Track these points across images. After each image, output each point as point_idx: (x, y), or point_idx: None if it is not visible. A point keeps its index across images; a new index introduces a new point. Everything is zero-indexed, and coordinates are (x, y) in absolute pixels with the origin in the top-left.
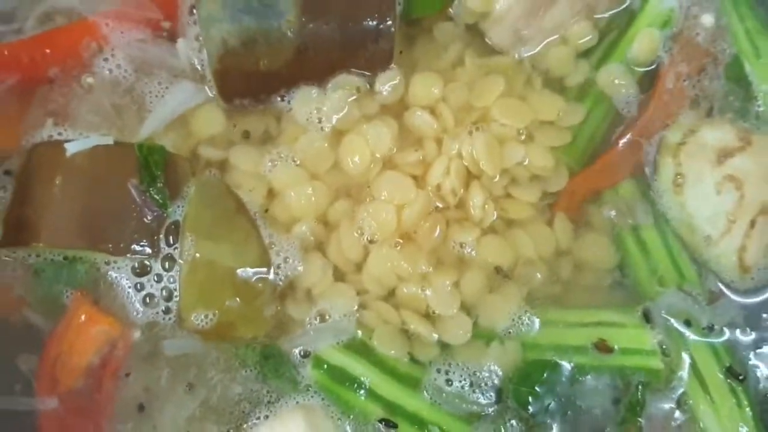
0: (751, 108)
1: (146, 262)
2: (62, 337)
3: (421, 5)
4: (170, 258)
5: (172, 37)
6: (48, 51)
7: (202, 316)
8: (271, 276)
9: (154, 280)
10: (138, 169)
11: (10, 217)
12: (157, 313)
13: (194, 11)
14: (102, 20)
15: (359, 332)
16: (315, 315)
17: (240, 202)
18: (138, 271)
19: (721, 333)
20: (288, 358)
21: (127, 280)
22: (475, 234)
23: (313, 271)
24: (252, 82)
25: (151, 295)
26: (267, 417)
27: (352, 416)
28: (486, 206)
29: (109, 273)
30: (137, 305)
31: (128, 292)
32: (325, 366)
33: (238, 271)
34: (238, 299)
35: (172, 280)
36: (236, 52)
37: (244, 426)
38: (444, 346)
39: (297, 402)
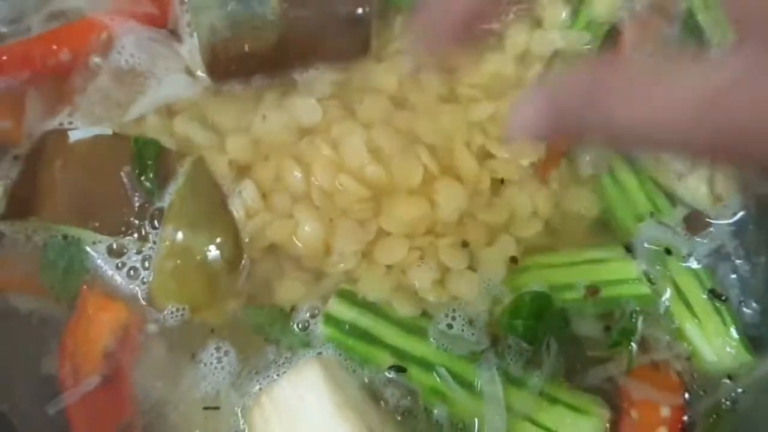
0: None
1: (126, 243)
2: (75, 329)
3: None
4: (152, 240)
5: (175, 34)
6: (55, 47)
7: (174, 310)
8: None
9: (134, 259)
10: (132, 158)
11: (14, 194)
12: (137, 290)
13: (185, 0)
14: (106, 17)
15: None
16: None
17: (225, 198)
18: (118, 251)
19: (701, 260)
20: (295, 320)
21: (108, 259)
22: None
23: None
24: (239, 65)
25: (134, 269)
26: (284, 373)
27: (365, 366)
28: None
29: (95, 252)
30: (120, 282)
31: (111, 272)
32: (336, 322)
33: (211, 263)
34: (206, 290)
35: (149, 261)
36: (224, 37)
37: (261, 385)
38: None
39: (310, 355)
